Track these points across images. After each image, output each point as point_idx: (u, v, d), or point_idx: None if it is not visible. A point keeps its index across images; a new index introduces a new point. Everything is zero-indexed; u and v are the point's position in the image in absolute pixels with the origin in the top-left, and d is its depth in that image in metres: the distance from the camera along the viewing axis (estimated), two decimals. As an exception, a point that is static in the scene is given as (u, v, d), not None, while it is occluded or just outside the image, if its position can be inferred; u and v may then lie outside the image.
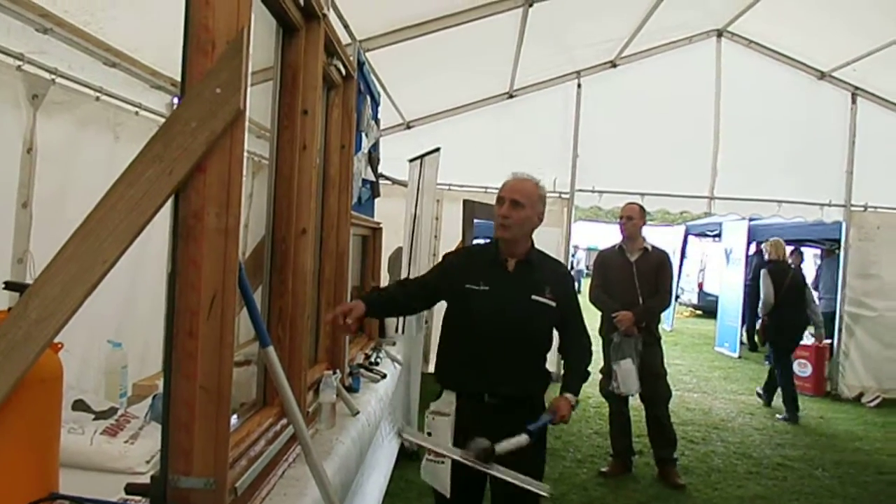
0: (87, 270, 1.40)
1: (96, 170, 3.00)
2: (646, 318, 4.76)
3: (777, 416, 6.95)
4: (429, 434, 2.62)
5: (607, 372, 4.82)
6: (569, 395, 2.68)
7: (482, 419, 2.55)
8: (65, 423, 1.70)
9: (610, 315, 4.77)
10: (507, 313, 2.61)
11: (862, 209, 7.78)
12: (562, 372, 2.80)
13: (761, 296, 7.05)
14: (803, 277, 7.53)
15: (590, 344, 2.80)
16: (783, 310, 6.90)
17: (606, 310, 4.87)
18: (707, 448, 5.78)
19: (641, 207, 5.05)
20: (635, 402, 5.07)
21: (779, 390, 7.09)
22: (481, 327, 2.60)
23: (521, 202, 2.61)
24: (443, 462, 2.53)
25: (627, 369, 4.62)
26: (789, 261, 7.79)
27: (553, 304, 2.64)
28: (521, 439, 2.46)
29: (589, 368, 2.82)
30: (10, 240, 2.64)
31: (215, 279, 1.45)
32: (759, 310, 7.38)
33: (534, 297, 2.63)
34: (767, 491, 4.82)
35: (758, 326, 8.98)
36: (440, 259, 2.90)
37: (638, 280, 4.78)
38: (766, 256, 7.50)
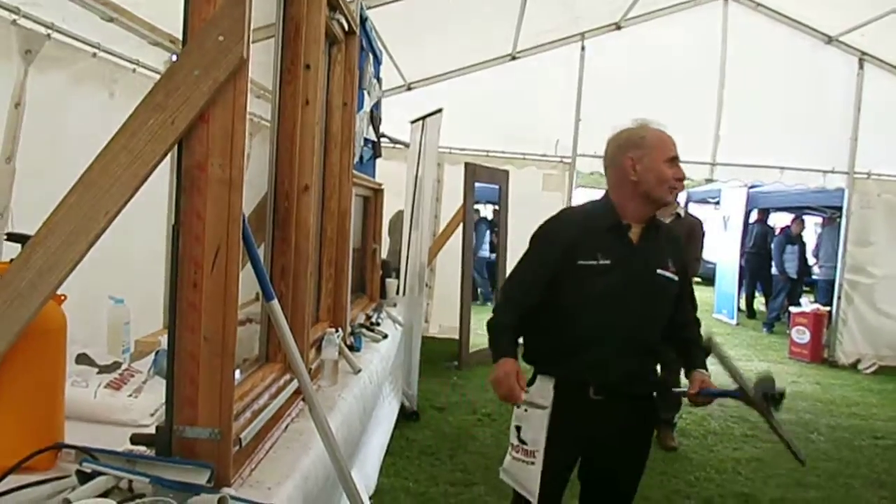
0: (90, 221, 1.39)
1: (88, 127, 2.94)
2: None
3: None
4: (517, 427, 2.27)
5: None
6: (704, 371, 2.30)
7: (587, 414, 2.23)
8: (69, 376, 1.70)
9: None
10: (632, 293, 2.21)
11: (865, 176, 7.73)
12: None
13: None
14: None
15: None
16: None
17: None
18: (704, 411, 5.80)
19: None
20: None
21: None
22: (599, 310, 2.21)
23: None
24: (533, 462, 2.20)
25: None
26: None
27: (675, 277, 2.29)
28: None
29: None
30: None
31: (219, 231, 1.43)
32: None
33: (659, 271, 2.26)
34: (763, 453, 4.88)
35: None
36: (541, 232, 2.36)
37: None
38: None
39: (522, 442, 2.24)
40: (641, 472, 2.40)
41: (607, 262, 2.19)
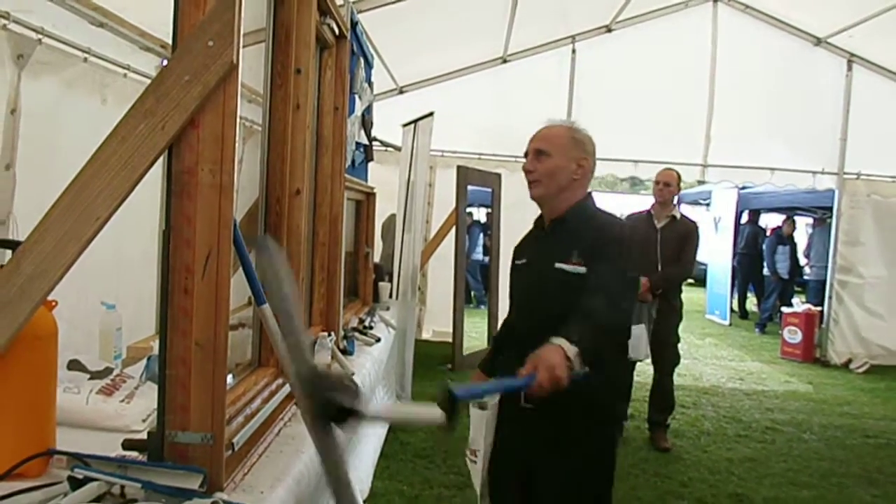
0: (80, 227, 1.39)
1: (82, 132, 2.94)
2: (662, 285, 4.71)
3: None
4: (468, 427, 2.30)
5: None
6: (560, 342, 1.74)
7: (518, 422, 2.11)
8: (60, 382, 1.70)
9: None
10: (533, 289, 2.17)
11: (855, 177, 7.78)
12: None
13: None
14: None
15: (621, 300, 1.97)
16: None
17: None
18: (697, 412, 5.86)
19: (679, 175, 4.95)
20: (641, 368, 5.09)
21: None
22: (515, 309, 2.26)
23: (546, 150, 2.12)
24: (475, 461, 2.21)
25: (637, 335, 4.64)
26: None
27: (583, 270, 2.01)
28: (430, 413, 1.41)
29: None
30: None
31: (210, 236, 1.44)
32: None
33: (557, 265, 2.04)
34: (756, 453, 4.90)
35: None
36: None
37: (660, 247, 4.74)
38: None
39: (469, 441, 2.31)
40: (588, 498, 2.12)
41: (524, 260, 2.23)
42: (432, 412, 1.39)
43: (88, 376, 1.92)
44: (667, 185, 4.84)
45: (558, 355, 1.69)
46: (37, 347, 1.46)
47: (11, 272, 1.36)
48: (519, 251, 2.28)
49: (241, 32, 1.47)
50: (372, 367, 3.32)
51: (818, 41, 7.60)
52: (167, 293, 1.44)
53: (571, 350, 1.72)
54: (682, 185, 5.06)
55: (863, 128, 7.63)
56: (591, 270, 2.00)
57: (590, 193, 2.23)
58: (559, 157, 2.12)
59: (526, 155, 2.19)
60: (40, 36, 2.75)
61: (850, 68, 7.67)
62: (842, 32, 7.23)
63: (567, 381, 1.68)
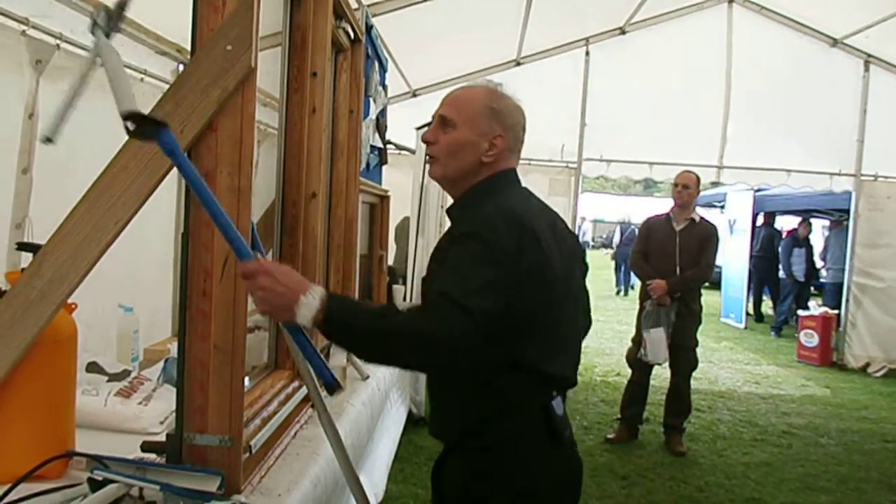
0: (100, 231, 1.40)
1: (100, 136, 2.96)
2: (680, 288, 4.69)
3: None
4: None
5: (637, 339, 4.85)
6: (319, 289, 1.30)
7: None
8: (79, 384, 1.72)
9: (645, 283, 4.79)
10: None
11: (872, 178, 7.69)
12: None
13: None
14: None
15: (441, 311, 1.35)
16: None
17: (643, 277, 4.88)
18: (713, 416, 5.81)
19: (698, 177, 4.95)
20: (656, 371, 5.06)
21: None
22: None
23: (452, 119, 1.64)
24: None
25: (657, 338, 4.62)
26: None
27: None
28: None
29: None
30: (9, 205, 2.62)
31: (228, 239, 1.44)
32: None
33: (424, 276, 1.63)
34: (773, 458, 4.85)
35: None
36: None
37: (679, 250, 4.72)
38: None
39: None
40: None
41: None
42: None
43: (106, 378, 1.94)
44: (686, 188, 4.82)
45: (298, 286, 1.28)
46: (57, 350, 1.48)
47: (32, 275, 1.37)
48: None
49: (259, 37, 1.48)
50: (386, 369, 3.32)
51: (834, 42, 7.53)
52: (186, 296, 1.44)
53: (318, 294, 1.28)
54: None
55: (880, 129, 7.54)
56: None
57: (502, 173, 1.70)
58: (466, 131, 1.63)
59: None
60: (58, 41, 2.78)
61: (866, 69, 7.59)
62: (858, 33, 7.16)
63: (268, 310, 1.31)
